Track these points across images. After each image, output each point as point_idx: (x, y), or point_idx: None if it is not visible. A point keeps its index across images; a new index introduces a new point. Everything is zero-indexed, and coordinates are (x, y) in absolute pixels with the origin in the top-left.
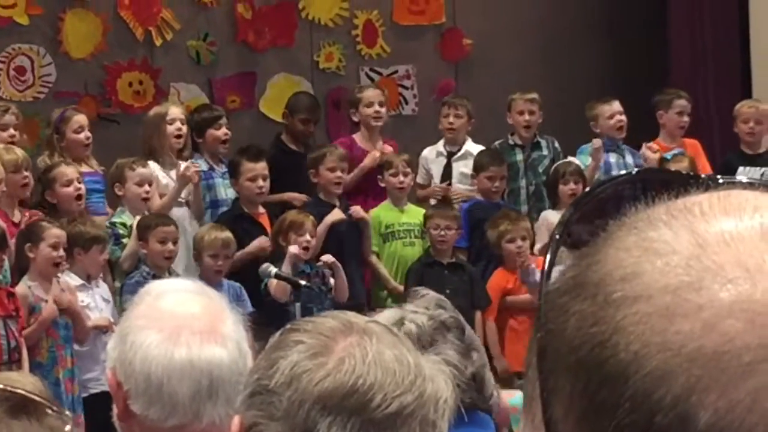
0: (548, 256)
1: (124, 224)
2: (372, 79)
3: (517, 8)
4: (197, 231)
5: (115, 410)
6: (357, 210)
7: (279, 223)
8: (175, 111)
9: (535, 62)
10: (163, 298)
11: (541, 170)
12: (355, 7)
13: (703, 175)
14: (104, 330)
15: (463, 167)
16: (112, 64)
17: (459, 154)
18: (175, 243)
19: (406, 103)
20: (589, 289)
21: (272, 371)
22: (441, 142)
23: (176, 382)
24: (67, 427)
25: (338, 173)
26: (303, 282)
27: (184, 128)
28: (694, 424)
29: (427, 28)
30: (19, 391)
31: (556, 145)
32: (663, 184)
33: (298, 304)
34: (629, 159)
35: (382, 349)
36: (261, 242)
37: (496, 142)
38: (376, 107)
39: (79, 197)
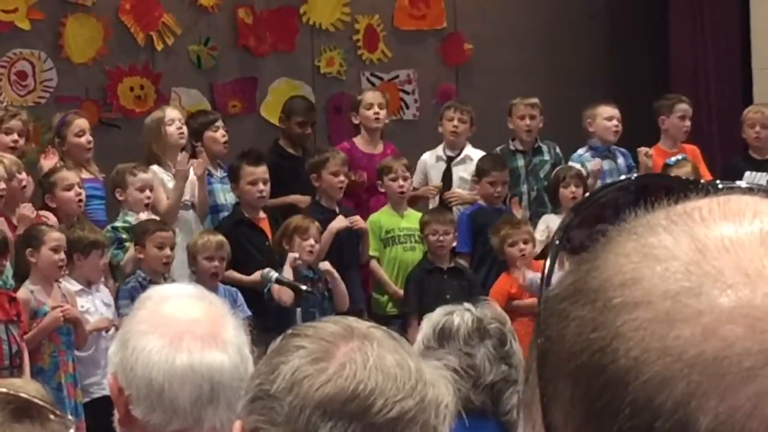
0: (548, 262)
1: (126, 228)
2: (373, 84)
3: (518, 13)
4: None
5: (116, 415)
6: (357, 220)
7: (284, 227)
8: (172, 112)
9: (535, 67)
10: (164, 303)
11: (542, 175)
12: (356, 12)
13: (702, 181)
14: (106, 330)
15: (462, 172)
16: (114, 69)
17: (459, 158)
18: (172, 248)
19: (407, 108)
20: (588, 294)
21: (273, 376)
22: (441, 147)
23: (177, 387)
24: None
25: (341, 177)
26: (304, 287)
27: (184, 127)
28: (694, 429)
29: (428, 33)
30: (22, 395)
31: (558, 150)
32: (663, 189)
33: (299, 309)
34: (621, 161)
35: (383, 354)
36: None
37: (498, 148)
38: (376, 109)
39: (79, 202)
